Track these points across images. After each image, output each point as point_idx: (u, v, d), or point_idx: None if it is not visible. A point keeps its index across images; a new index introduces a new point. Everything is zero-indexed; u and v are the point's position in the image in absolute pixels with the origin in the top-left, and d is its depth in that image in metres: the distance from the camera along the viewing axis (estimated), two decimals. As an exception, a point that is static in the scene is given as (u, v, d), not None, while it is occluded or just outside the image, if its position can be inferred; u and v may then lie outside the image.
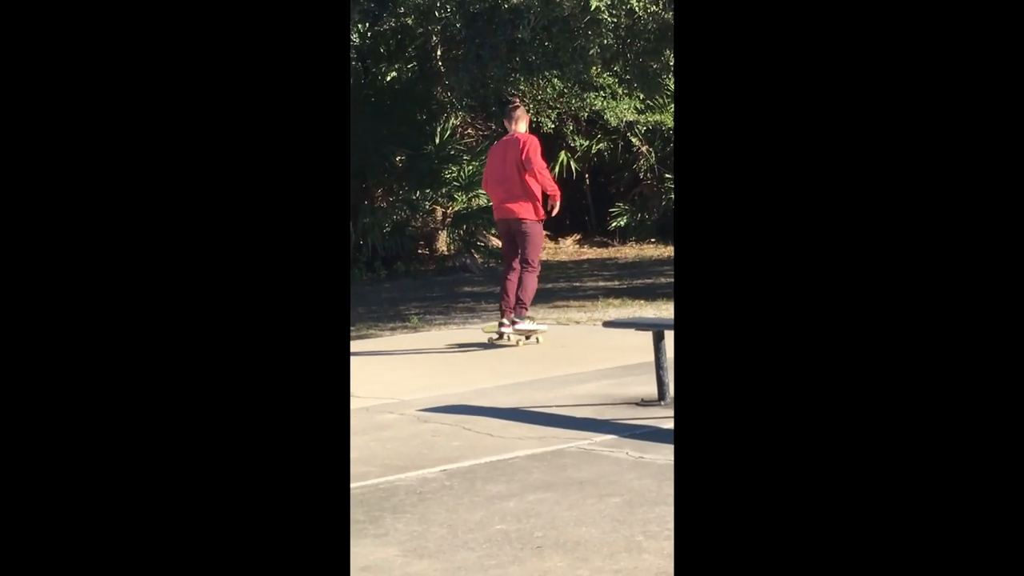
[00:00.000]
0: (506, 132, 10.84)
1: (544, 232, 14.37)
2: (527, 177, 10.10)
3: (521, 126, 10.58)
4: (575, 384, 8.21)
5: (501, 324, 10.17)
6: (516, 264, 10.33)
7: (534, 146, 10.23)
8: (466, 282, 16.11)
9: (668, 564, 4.34)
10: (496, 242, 17.55)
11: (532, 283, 10.30)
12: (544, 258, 18.50)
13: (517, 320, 10.14)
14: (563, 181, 19.96)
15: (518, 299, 10.14)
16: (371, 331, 12.10)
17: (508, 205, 10.25)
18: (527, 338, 10.27)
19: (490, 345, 10.40)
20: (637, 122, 19.53)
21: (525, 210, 10.18)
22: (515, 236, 10.35)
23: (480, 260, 17.85)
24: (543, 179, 10.27)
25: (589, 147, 20.04)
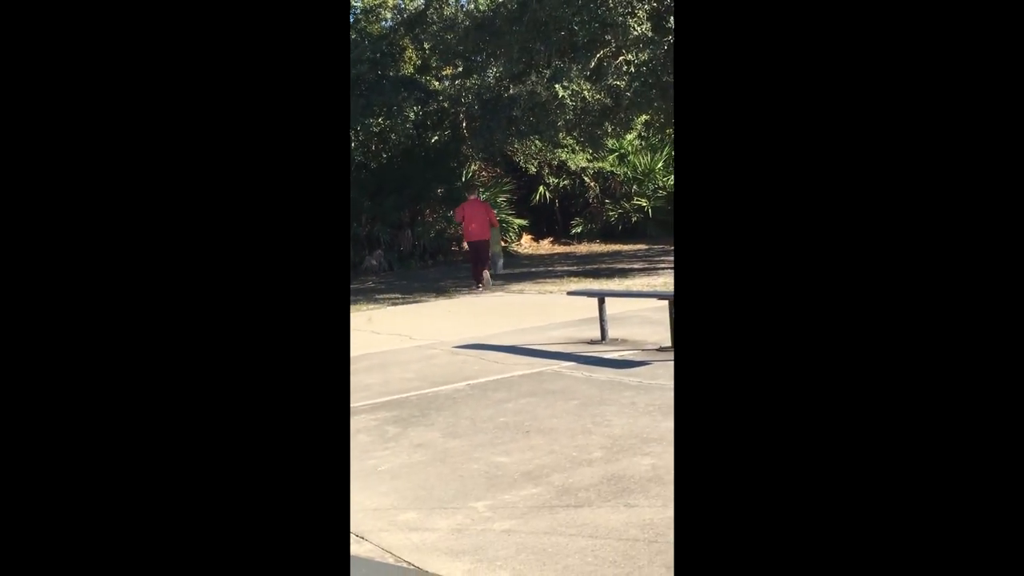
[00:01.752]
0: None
1: (530, 236, 15.88)
2: (489, 222, 13.03)
3: (476, 195, 13.77)
4: (550, 330, 8.21)
5: (479, 285, 12.63)
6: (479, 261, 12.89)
7: (491, 210, 13.68)
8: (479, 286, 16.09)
9: (608, 442, 4.36)
10: (500, 242, 17.94)
11: (486, 269, 12.97)
12: (529, 253, 18.53)
13: (480, 285, 12.57)
14: (541, 204, 19.92)
15: (481, 275, 12.68)
16: (422, 298, 12.08)
17: (478, 234, 12.72)
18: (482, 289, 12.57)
19: (478, 297, 10.72)
20: (587, 168, 19.48)
21: (485, 235, 12.83)
22: (479, 249, 12.79)
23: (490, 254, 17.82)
24: (495, 224, 13.46)
25: (558, 183, 19.95)
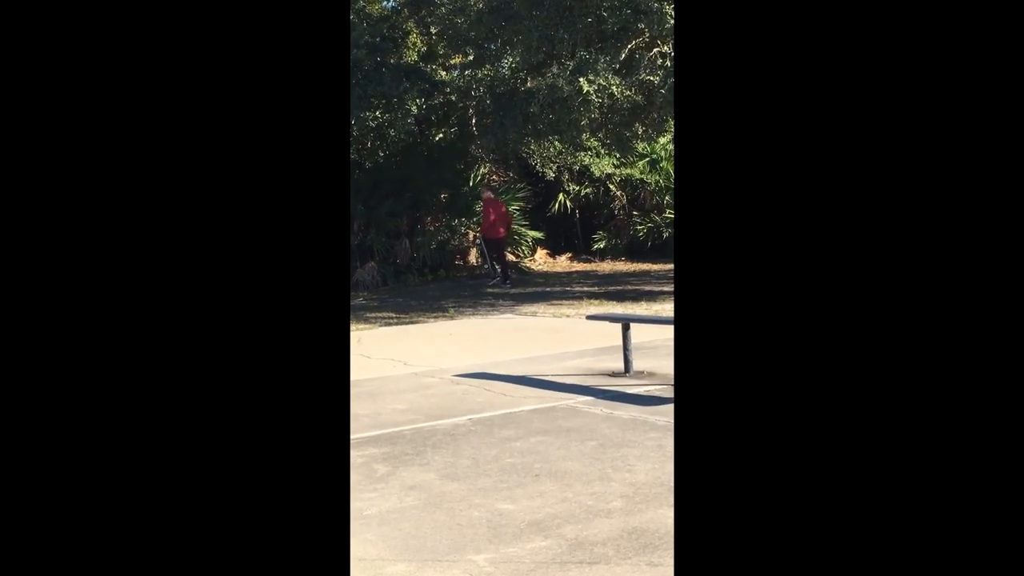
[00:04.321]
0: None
1: (545, 250, 17.41)
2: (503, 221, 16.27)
3: (489, 195, 16.39)
4: (565, 360, 8.21)
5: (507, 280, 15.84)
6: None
7: (500, 205, 16.45)
8: (488, 285, 16.10)
9: (629, 490, 4.35)
10: (511, 257, 18.10)
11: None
12: (544, 270, 18.61)
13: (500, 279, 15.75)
14: (560, 215, 19.97)
15: (503, 266, 16.06)
16: (420, 318, 12.09)
17: (497, 231, 16.00)
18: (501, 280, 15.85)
19: (503, 325, 10.51)
20: (614, 174, 19.53)
21: (498, 232, 16.14)
22: (495, 245, 16.28)
23: (498, 269, 17.83)
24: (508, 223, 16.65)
25: (579, 191, 20.01)
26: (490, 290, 14.99)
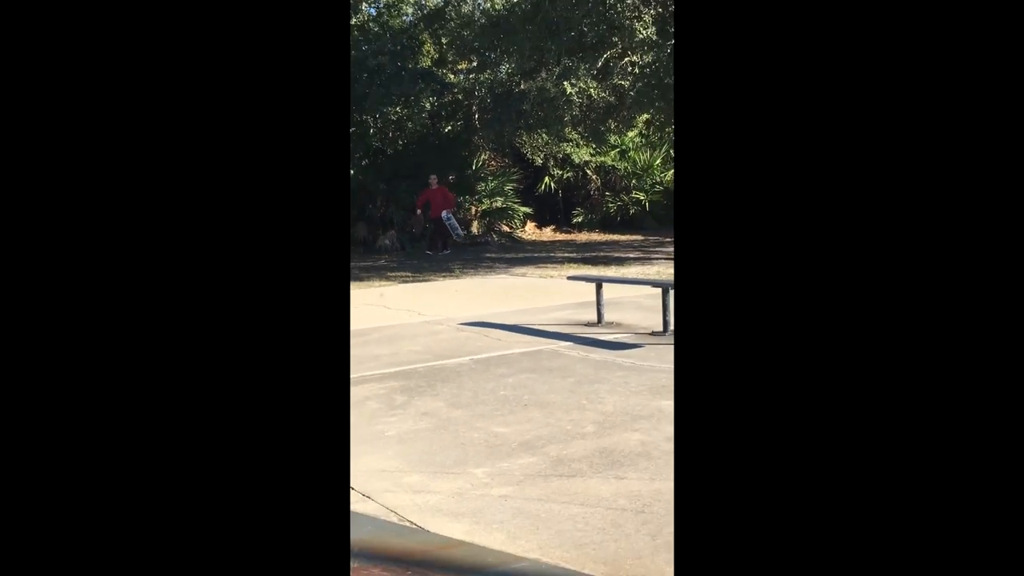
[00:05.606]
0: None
1: (533, 223, 16.93)
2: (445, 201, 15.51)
3: (434, 184, 15.61)
4: (550, 312, 8.21)
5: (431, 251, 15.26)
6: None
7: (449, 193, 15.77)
8: (488, 251, 16.03)
9: (600, 417, 4.36)
10: (505, 228, 17.99)
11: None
12: (532, 239, 18.51)
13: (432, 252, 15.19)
14: (546, 194, 19.84)
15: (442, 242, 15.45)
16: (431, 277, 12.07)
17: (440, 210, 15.34)
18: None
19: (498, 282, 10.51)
20: (590, 161, 19.42)
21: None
22: (440, 223, 15.45)
23: (496, 239, 17.73)
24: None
25: (562, 175, 19.86)
26: (486, 253, 14.98)
